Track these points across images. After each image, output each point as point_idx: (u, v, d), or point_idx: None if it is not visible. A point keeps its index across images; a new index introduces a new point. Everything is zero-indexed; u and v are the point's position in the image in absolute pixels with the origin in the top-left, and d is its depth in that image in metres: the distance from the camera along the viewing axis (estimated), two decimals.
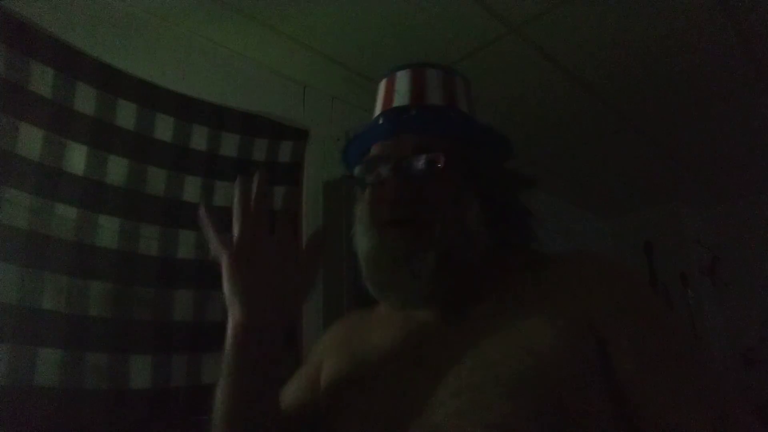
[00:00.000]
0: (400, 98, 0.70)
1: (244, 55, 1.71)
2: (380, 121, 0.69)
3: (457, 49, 1.73)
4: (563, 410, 0.51)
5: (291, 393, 0.75)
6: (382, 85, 0.74)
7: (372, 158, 0.69)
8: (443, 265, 0.61)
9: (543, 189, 2.84)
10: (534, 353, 0.54)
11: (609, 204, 3.42)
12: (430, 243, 0.61)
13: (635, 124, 2.33)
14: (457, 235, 0.62)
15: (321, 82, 1.88)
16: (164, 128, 1.47)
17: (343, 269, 1.69)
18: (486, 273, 0.66)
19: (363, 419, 0.61)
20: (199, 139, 1.55)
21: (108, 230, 1.31)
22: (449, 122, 0.69)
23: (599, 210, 3.51)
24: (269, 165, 1.71)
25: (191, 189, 1.51)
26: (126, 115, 1.39)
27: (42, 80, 1.23)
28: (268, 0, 1.47)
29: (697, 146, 2.59)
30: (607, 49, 1.76)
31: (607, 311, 0.57)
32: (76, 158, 1.28)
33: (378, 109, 0.73)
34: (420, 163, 0.64)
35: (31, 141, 1.20)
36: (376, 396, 0.62)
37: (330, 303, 1.72)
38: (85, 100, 1.31)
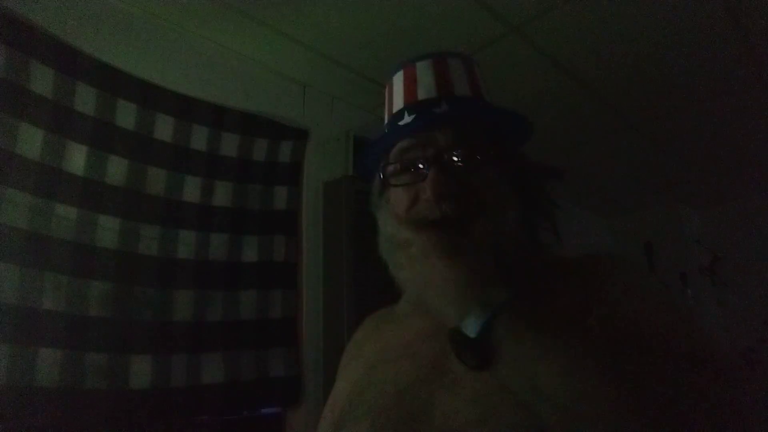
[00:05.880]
0: (426, 90, 0.65)
1: (244, 55, 1.71)
2: (406, 116, 0.64)
3: (458, 49, 1.72)
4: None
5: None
6: (399, 77, 0.69)
7: (405, 153, 0.64)
8: (483, 266, 0.56)
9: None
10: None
11: (609, 204, 3.41)
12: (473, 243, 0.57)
13: (636, 124, 2.33)
14: (499, 234, 0.58)
15: (321, 82, 1.88)
16: (164, 128, 1.47)
17: (343, 269, 1.69)
18: (516, 273, 0.62)
19: (377, 423, 0.59)
20: (199, 139, 1.55)
21: (108, 230, 1.31)
22: (482, 114, 0.65)
23: (600, 210, 3.51)
24: (269, 165, 1.71)
25: (191, 189, 1.51)
26: (126, 115, 1.39)
27: (42, 80, 1.24)
28: (268, 0, 1.47)
29: (697, 146, 2.59)
30: (607, 49, 1.76)
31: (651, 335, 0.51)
32: (76, 158, 1.28)
33: (398, 103, 0.67)
34: (460, 157, 0.60)
35: (31, 141, 1.21)
36: (391, 400, 0.60)
37: (330, 303, 1.72)
38: (85, 100, 1.31)
